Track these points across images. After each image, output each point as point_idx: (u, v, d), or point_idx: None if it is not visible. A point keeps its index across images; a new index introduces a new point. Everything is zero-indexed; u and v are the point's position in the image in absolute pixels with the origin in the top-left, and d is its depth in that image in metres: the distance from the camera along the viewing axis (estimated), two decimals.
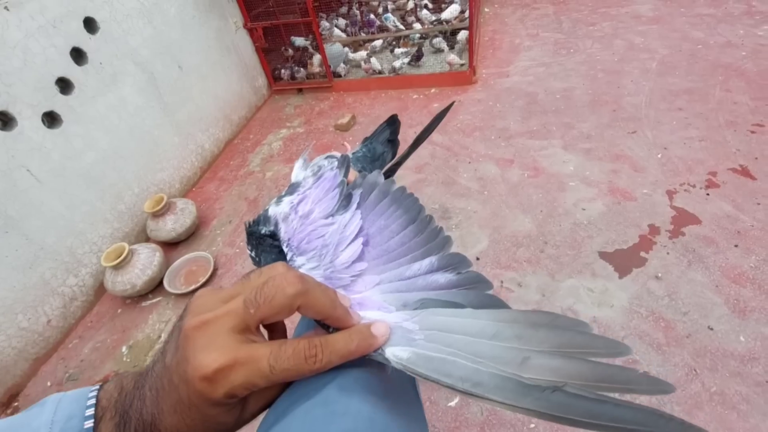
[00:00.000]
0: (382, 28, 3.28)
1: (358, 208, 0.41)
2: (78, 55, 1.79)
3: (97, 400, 0.28)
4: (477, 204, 1.89)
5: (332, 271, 0.37)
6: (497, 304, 0.33)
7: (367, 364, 0.31)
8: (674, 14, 3.13)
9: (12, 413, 1.49)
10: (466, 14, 2.90)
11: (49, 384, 1.56)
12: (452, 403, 1.23)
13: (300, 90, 3.17)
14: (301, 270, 0.38)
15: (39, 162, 1.61)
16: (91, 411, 0.27)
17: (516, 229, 1.73)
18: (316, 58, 3.07)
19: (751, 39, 2.64)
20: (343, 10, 3.56)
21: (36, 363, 1.61)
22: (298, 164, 0.51)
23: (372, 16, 3.30)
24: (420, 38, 3.26)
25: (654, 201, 1.72)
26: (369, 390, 0.30)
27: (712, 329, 1.28)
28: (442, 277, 0.35)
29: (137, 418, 0.27)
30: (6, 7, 1.50)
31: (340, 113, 2.77)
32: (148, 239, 2.03)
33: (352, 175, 0.46)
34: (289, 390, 0.31)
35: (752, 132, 1.95)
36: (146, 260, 1.73)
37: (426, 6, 3.32)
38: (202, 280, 1.78)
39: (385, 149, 0.62)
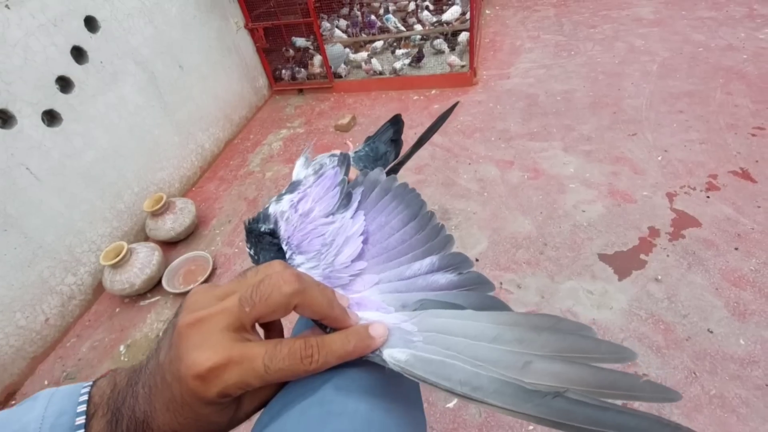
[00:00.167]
0: (383, 29, 3.28)
1: (359, 206, 0.41)
2: (78, 54, 1.79)
3: (90, 397, 0.28)
4: (477, 205, 1.88)
5: (331, 270, 0.37)
6: (498, 306, 0.32)
7: (365, 363, 0.31)
8: (675, 17, 3.14)
9: None
10: (467, 16, 2.90)
11: (46, 383, 1.56)
12: (450, 405, 1.23)
13: (300, 90, 3.17)
14: (300, 269, 0.38)
15: (38, 160, 1.61)
16: (83, 407, 0.27)
17: (516, 231, 1.73)
18: (317, 58, 3.07)
19: (752, 42, 2.64)
20: (344, 11, 3.56)
21: (34, 362, 1.60)
22: (300, 162, 0.51)
23: (373, 17, 3.30)
24: (421, 39, 3.26)
25: (654, 203, 1.72)
26: (366, 390, 0.30)
27: (711, 332, 1.27)
28: (443, 278, 0.35)
29: (129, 415, 0.27)
30: (7, 6, 1.50)
31: (341, 114, 2.77)
32: (147, 238, 2.02)
33: (354, 173, 0.46)
34: (285, 390, 0.30)
35: (753, 135, 1.95)
36: (145, 259, 1.73)
37: (427, 7, 3.32)
38: (201, 279, 1.77)
39: (387, 149, 0.62)
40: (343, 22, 3.42)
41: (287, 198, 0.45)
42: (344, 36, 3.30)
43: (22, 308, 1.56)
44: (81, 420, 0.26)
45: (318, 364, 0.28)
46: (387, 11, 3.36)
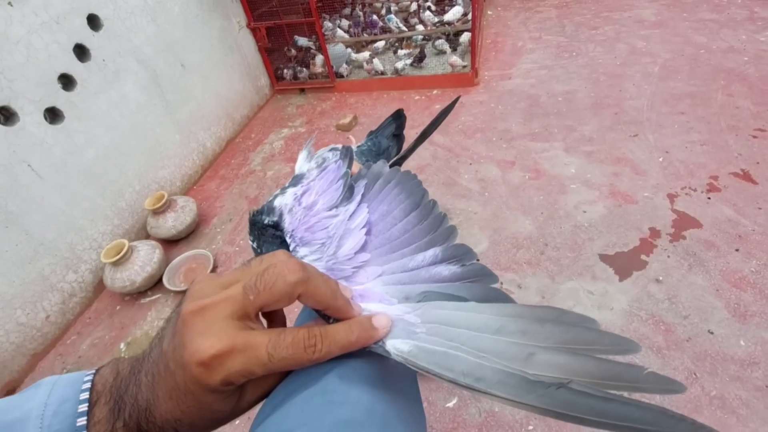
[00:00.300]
0: (385, 30, 3.29)
1: (362, 198, 0.41)
2: (81, 52, 1.79)
3: (93, 385, 0.28)
4: (477, 205, 1.88)
5: (334, 262, 0.37)
6: (502, 298, 0.32)
7: (368, 354, 0.31)
8: (677, 19, 3.14)
9: None
10: (469, 16, 2.90)
11: None
12: (450, 404, 1.23)
13: (302, 90, 3.18)
14: (304, 261, 0.38)
15: (40, 157, 1.61)
16: (85, 395, 0.27)
17: (516, 231, 1.73)
18: (319, 58, 3.07)
19: (754, 44, 2.64)
20: (347, 10, 3.57)
21: (34, 359, 1.61)
22: (302, 156, 0.51)
23: (375, 17, 3.31)
24: (423, 40, 3.27)
25: (655, 204, 1.72)
26: (369, 380, 0.30)
27: (712, 333, 1.27)
28: (446, 269, 0.35)
29: (132, 403, 0.27)
30: (10, 3, 1.51)
31: (342, 113, 2.77)
32: (148, 236, 2.03)
33: (356, 167, 0.46)
34: (287, 380, 0.30)
35: (754, 137, 1.95)
36: (146, 257, 1.73)
37: (429, 8, 3.33)
38: None
39: (390, 143, 0.62)
40: (345, 22, 3.43)
41: (291, 191, 0.45)
42: (346, 36, 3.30)
43: (23, 305, 1.56)
44: (84, 407, 0.26)
45: (321, 353, 0.28)
46: (389, 11, 3.36)
